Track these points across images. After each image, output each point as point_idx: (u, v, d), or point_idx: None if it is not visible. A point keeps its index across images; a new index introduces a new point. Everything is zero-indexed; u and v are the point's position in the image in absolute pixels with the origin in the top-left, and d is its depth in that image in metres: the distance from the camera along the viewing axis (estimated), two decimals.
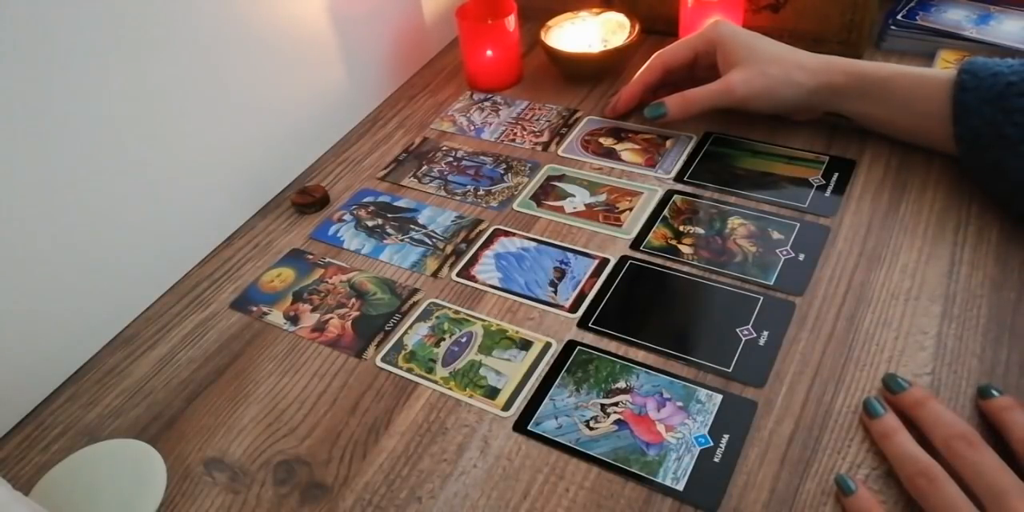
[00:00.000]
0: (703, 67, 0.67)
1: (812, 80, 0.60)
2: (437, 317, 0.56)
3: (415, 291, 0.58)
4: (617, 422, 0.47)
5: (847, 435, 0.45)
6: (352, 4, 0.71)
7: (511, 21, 0.74)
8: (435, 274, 0.59)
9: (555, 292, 0.56)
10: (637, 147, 0.68)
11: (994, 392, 0.44)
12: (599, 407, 0.48)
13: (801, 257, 0.55)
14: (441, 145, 0.72)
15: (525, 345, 0.53)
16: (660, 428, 0.46)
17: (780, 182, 0.62)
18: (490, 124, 0.74)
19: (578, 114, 0.73)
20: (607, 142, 0.69)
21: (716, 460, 0.44)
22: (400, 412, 0.50)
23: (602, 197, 0.64)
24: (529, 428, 0.47)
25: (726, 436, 0.45)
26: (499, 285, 0.57)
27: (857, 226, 0.57)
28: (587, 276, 0.57)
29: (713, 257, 0.57)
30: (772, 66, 0.61)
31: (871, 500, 0.40)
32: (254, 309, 0.58)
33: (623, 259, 0.58)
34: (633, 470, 0.44)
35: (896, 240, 0.56)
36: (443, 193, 0.67)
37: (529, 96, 0.77)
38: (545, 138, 0.71)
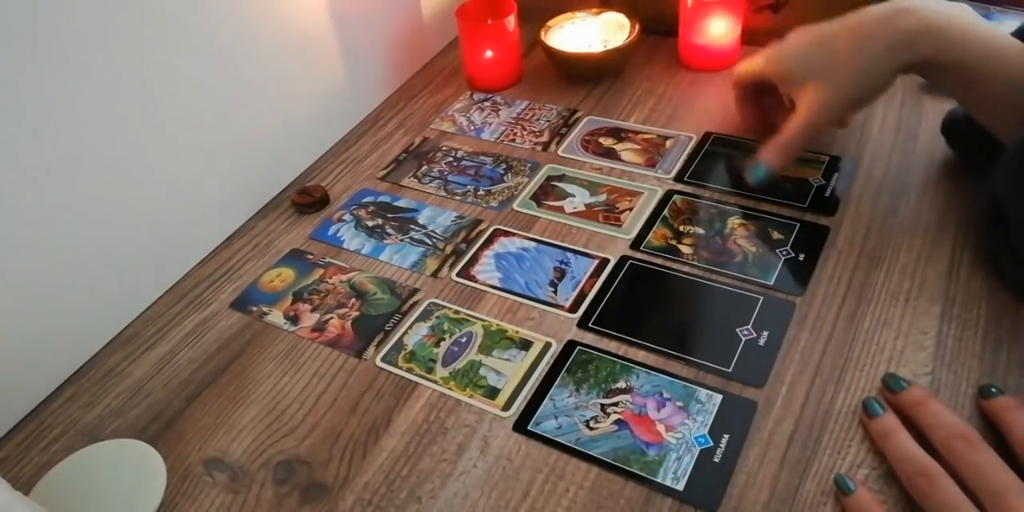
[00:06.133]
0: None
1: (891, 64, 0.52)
2: (437, 317, 0.56)
3: (415, 291, 0.58)
4: (617, 422, 0.47)
5: (847, 435, 0.45)
6: (352, 4, 0.71)
7: (511, 21, 0.74)
8: (435, 274, 0.59)
9: (555, 292, 0.56)
10: (637, 147, 0.68)
11: (994, 391, 0.44)
12: (599, 407, 0.48)
13: (801, 257, 0.55)
14: (441, 145, 0.72)
15: (525, 345, 0.53)
16: (660, 428, 0.46)
17: (780, 182, 0.62)
18: (490, 124, 0.74)
19: (578, 114, 0.73)
20: (607, 142, 0.69)
21: (716, 460, 0.44)
22: (400, 412, 0.50)
23: (602, 197, 0.64)
24: (529, 428, 0.47)
25: (726, 436, 0.45)
26: (499, 285, 0.57)
27: (857, 226, 0.57)
28: (587, 276, 0.57)
29: (713, 257, 0.57)
30: (840, 75, 0.53)
31: (870, 500, 0.40)
32: (254, 309, 0.58)
33: (623, 259, 0.58)
34: (633, 470, 0.44)
35: (896, 240, 0.56)
36: (443, 193, 0.67)
37: (529, 96, 0.77)
38: (545, 138, 0.71)
